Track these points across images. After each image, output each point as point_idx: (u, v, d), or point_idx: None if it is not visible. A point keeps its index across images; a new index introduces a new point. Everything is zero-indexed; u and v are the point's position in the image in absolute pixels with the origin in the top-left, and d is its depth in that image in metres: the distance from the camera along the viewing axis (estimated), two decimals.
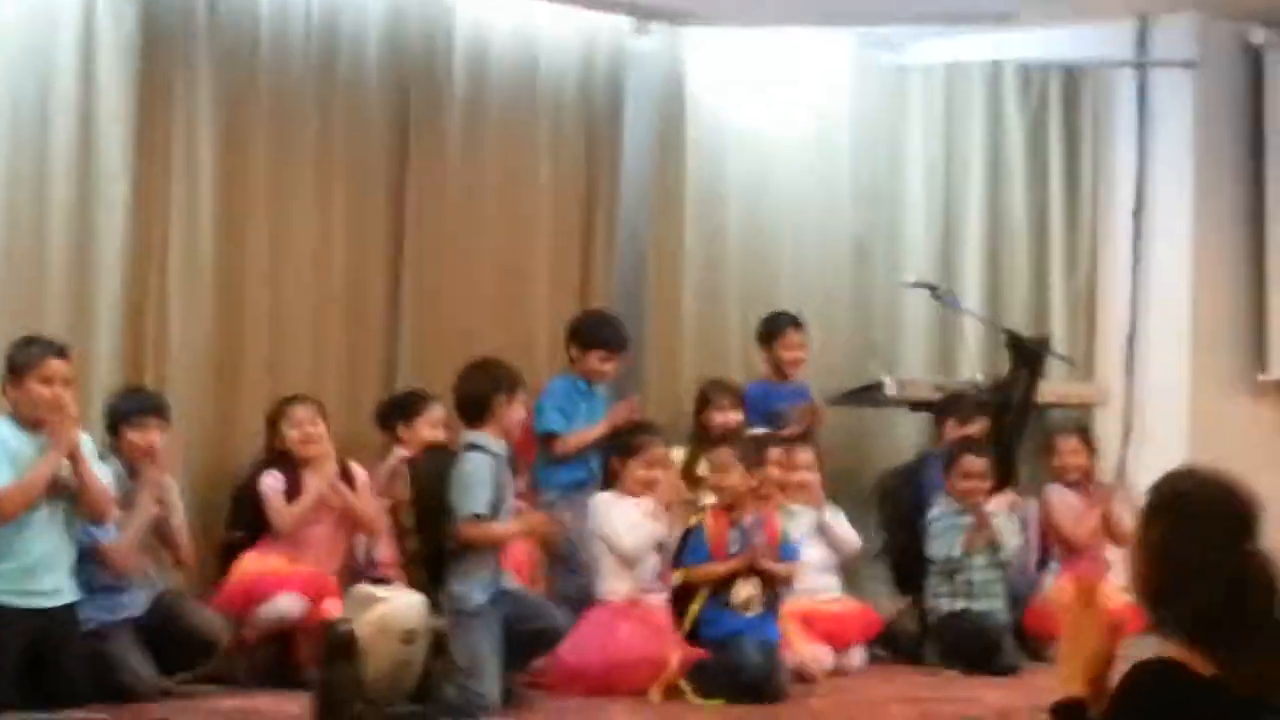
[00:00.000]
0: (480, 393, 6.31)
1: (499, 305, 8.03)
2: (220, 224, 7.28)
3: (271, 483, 6.85)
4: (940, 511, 7.87)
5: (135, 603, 6.48)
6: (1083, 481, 8.37)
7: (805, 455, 7.79)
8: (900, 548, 8.16)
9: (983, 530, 7.77)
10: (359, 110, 7.70)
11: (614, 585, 6.89)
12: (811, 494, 7.76)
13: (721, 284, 8.74)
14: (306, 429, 6.90)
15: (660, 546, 6.94)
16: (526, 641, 6.36)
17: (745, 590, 6.80)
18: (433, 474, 6.34)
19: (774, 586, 6.86)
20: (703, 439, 7.69)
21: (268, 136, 7.43)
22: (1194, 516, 3.26)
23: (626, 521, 6.87)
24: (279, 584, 6.67)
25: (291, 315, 7.50)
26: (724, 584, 6.79)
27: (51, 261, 6.88)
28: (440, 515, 6.23)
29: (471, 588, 6.14)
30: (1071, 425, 8.78)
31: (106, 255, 6.98)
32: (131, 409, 6.64)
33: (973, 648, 7.60)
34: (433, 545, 6.27)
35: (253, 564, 6.80)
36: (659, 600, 6.91)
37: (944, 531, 7.82)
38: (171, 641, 6.44)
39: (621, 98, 8.42)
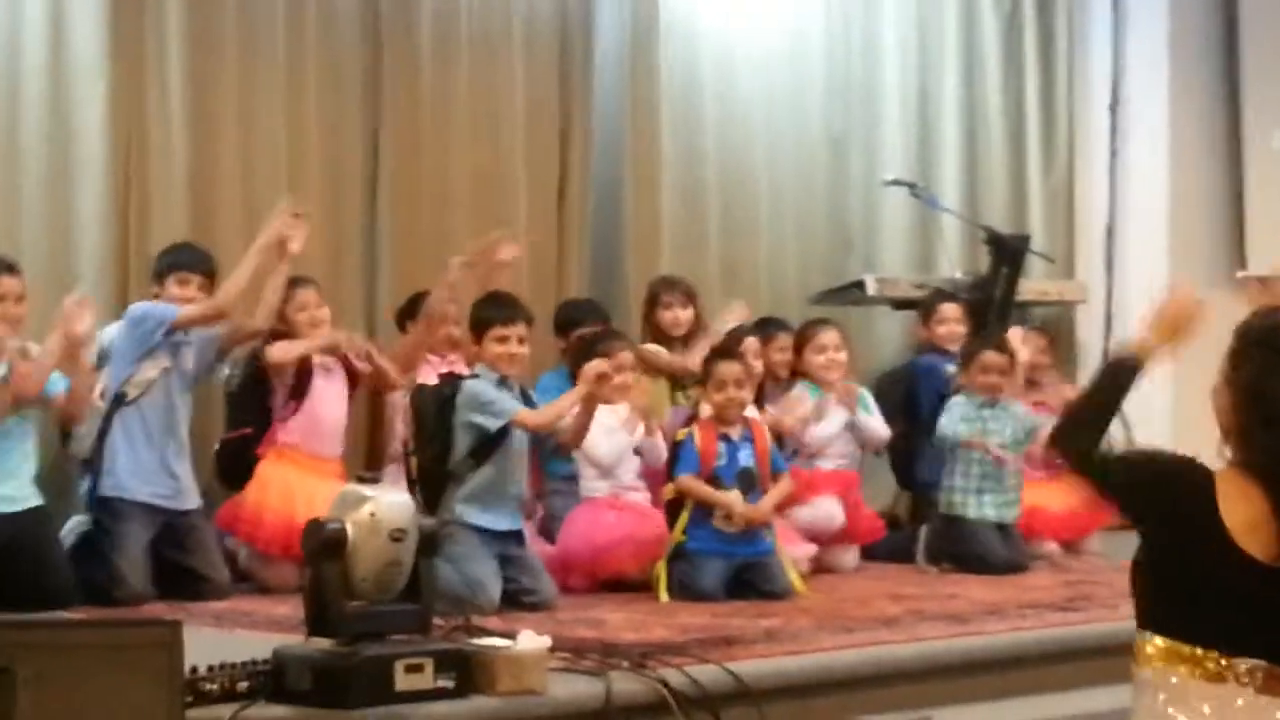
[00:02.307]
0: (471, 323, 6.41)
1: (476, 208, 7.90)
2: (193, 127, 7.19)
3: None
4: (962, 400, 7.62)
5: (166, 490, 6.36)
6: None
7: (830, 336, 7.71)
8: (900, 445, 8.07)
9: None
10: (330, 11, 7.58)
11: (595, 485, 6.84)
12: (837, 382, 7.62)
13: (699, 184, 8.62)
14: (313, 312, 6.78)
15: (637, 450, 6.85)
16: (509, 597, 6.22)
17: None
18: (430, 405, 6.32)
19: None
20: (655, 339, 7.59)
21: (239, 38, 7.32)
22: None
23: (601, 429, 6.76)
24: None
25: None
26: None
27: (29, 164, 6.83)
28: (437, 443, 6.22)
29: (470, 509, 6.14)
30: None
31: (85, 156, 6.91)
32: None
33: (964, 554, 7.51)
34: (431, 471, 6.23)
35: (272, 475, 6.61)
36: (640, 496, 6.88)
37: (961, 419, 7.57)
38: (175, 571, 6.32)
39: None
